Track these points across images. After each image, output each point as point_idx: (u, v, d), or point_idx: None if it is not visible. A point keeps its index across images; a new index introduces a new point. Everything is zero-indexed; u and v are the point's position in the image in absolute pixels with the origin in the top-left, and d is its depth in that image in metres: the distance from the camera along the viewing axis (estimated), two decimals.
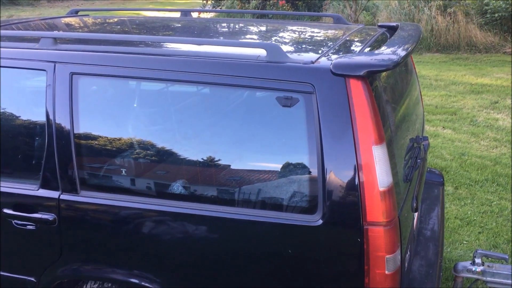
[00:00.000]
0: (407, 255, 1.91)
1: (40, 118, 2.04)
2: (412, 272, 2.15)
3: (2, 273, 2.13)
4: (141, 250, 1.93)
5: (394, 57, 1.76)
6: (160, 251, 1.91)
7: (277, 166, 1.80)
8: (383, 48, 1.94)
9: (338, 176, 1.66)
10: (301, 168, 1.76)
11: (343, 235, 1.70)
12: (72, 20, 3.06)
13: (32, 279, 2.08)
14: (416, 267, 2.20)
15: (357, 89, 1.67)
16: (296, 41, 2.42)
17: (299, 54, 2.05)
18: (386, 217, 1.64)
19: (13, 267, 2.12)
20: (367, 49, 2.09)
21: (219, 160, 1.87)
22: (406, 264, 1.89)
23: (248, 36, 2.57)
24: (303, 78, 1.72)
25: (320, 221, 1.68)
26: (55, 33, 2.29)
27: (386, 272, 1.67)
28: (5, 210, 2.01)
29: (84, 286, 2.06)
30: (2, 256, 2.13)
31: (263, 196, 1.78)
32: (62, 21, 3.04)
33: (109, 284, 2.01)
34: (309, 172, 1.72)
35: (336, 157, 1.66)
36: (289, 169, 1.78)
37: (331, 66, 1.68)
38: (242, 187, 1.81)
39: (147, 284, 1.92)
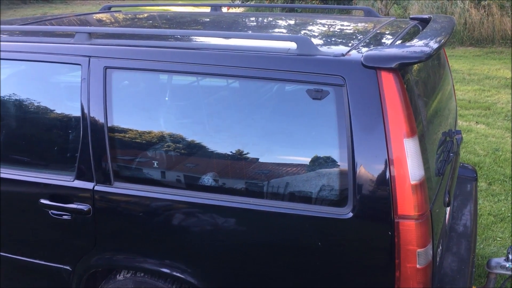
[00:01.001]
0: (438, 250, 1.88)
1: (75, 111, 2.09)
2: (444, 268, 2.12)
3: (39, 261, 2.20)
4: (172, 240, 1.96)
5: (427, 49, 1.73)
6: (190, 242, 1.94)
7: (306, 159, 1.80)
8: (415, 40, 1.92)
9: (368, 169, 1.65)
10: (331, 160, 1.75)
11: (373, 228, 1.69)
12: (104, 16, 3.12)
13: (68, 267, 2.14)
14: (448, 263, 2.17)
15: (388, 81, 1.66)
16: (325, 34, 2.41)
17: (329, 47, 2.04)
18: (418, 211, 1.63)
19: (49, 256, 2.19)
20: (399, 42, 2.06)
21: (249, 153, 1.88)
22: (438, 259, 1.86)
23: (277, 30, 2.57)
24: (333, 71, 1.71)
25: (350, 214, 1.68)
26: (90, 28, 2.34)
27: (418, 266, 1.65)
28: (42, 201, 2.07)
29: (118, 275, 2.10)
30: (39, 245, 2.21)
31: (293, 188, 1.79)
32: (95, 17, 3.10)
33: (141, 274, 2.05)
34: (339, 165, 1.72)
35: (367, 150, 1.65)
36: (319, 162, 1.78)
37: (362, 59, 1.67)
38: (272, 180, 1.82)
39: (178, 274, 1.95)
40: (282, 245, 1.83)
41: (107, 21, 3.00)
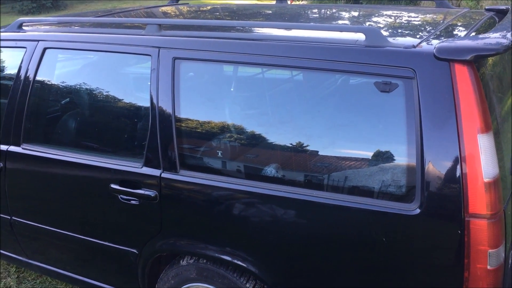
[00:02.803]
0: (511, 252, 1.80)
1: (145, 101, 2.16)
2: None
3: (108, 243, 2.30)
4: (233, 228, 1.99)
5: (504, 41, 1.64)
6: (251, 231, 1.96)
7: (371, 153, 1.77)
8: (491, 32, 1.82)
9: (438, 165, 1.60)
10: (397, 155, 1.71)
11: (442, 225, 1.64)
12: (169, 9, 3.20)
13: (135, 250, 2.23)
14: None
15: (462, 74, 1.59)
16: (393, 25, 2.34)
17: (398, 39, 1.99)
18: (491, 210, 1.56)
19: (118, 239, 2.28)
20: (473, 34, 1.97)
21: (312, 145, 1.87)
22: (510, 261, 1.78)
23: (342, 22, 2.53)
24: (403, 63, 1.66)
25: (418, 210, 1.63)
26: (160, 20, 2.41)
27: (488, 267, 1.58)
28: (113, 185, 2.17)
29: (181, 261, 2.16)
30: (109, 228, 2.31)
31: (357, 182, 1.77)
32: (161, 9, 3.19)
33: (204, 260, 2.10)
34: (407, 160, 1.67)
35: (437, 145, 1.60)
36: (384, 155, 1.74)
37: (434, 50, 1.62)
38: (334, 173, 1.80)
39: (239, 262, 1.98)
40: (343, 239, 1.81)
41: (173, 13, 3.08)
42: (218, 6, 3.26)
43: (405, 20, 2.48)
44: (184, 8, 3.24)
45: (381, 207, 1.70)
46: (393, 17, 2.54)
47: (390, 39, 1.77)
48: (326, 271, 1.88)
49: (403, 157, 1.69)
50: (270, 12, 2.87)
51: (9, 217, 2.60)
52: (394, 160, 1.72)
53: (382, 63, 1.69)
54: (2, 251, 2.80)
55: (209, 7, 3.29)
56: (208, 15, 2.93)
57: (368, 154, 1.78)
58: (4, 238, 2.74)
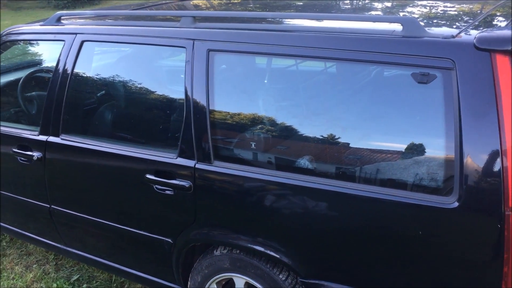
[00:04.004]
0: None
1: (179, 93, 2.18)
2: None
3: (143, 232, 2.35)
4: (266, 219, 1.99)
5: None
6: (284, 222, 1.96)
7: (407, 144, 1.75)
8: None
9: (478, 158, 1.56)
10: (435, 147, 1.68)
11: (480, 219, 1.60)
12: (200, 2, 3.22)
13: (169, 240, 2.27)
14: None
15: (504, 65, 1.55)
16: (429, 16, 2.29)
17: (436, 29, 1.95)
18: None
19: (152, 228, 2.33)
20: None
21: (346, 137, 1.86)
22: None
23: (376, 12, 2.49)
24: (442, 53, 1.63)
25: (456, 204, 1.60)
26: (194, 12, 2.43)
27: None
28: (148, 176, 2.20)
29: (215, 251, 2.19)
30: (144, 217, 2.35)
31: (393, 174, 1.74)
32: (192, 2, 3.21)
33: (237, 251, 2.12)
34: (445, 152, 1.64)
35: (477, 137, 1.56)
36: (422, 148, 1.71)
37: (474, 40, 1.58)
38: (369, 165, 1.79)
39: (272, 253, 1.99)
40: (377, 232, 1.79)
41: (204, 6, 3.10)
42: None
43: (441, 10, 2.43)
44: (215, 1, 3.25)
45: (417, 200, 1.68)
46: (428, 7, 2.49)
47: (428, 29, 1.74)
48: (359, 264, 1.86)
49: (440, 149, 1.66)
50: (302, 3, 2.85)
51: (48, 206, 2.68)
52: (431, 152, 1.69)
53: (420, 53, 1.66)
54: (41, 238, 2.89)
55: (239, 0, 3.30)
56: (240, 7, 2.94)
57: (404, 146, 1.76)
58: (43, 226, 2.83)
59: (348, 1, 2.95)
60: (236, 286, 2.20)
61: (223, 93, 2.10)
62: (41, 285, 3.01)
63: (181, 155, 2.14)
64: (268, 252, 2.00)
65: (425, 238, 1.69)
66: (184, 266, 2.32)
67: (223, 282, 2.27)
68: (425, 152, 1.70)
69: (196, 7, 3.11)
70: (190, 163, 2.11)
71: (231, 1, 3.22)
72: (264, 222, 2.01)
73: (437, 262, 1.71)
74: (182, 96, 2.14)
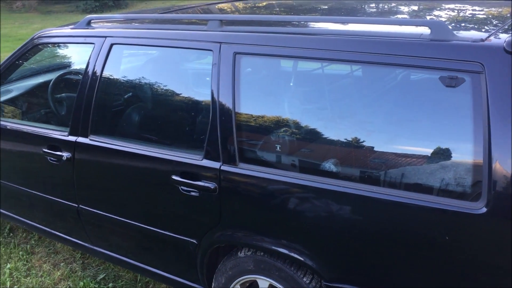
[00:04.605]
0: None
1: (206, 95, 2.21)
2: None
3: (169, 233, 2.38)
4: (290, 222, 1.99)
5: None
6: (308, 225, 1.95)
7: (433, 149, 1.73)
8: None
9: (507, 163, 1.54)
10: (463, 151, 1.66)
11: (509, 225, 1.58)
12: (225, 5, 3.25)
13: (194, 241, 2.29)
14: None
15: None
16: (458, 19, 2.27)
17: (465, 32, 1.93)
18: None
19: (178, 229, 2.35)
20: None
21: (372, 140, 1.85)
22: None
23: (402, 16, 2.48)
24: (471, 57, 1.62)
25: (484, 209, 1.58)
26: (221, 16, 2.46)
27: None
28: (174, 177, 2.23)
29: (239, 252, 2.20)
30: (169, 218, 2.38)
31: (419, 179, 1.73)
32: (217, 6, 3.24)
33: (261, 253, 2.13)
34: (473, 157, 1.62)
35: (506, 142, 1.54)
36: (449, 152, 1.70)
37: (504, 44, 1.56)
38: (394, 169, 1.77)
39: (296, 255, 1.99)
40: (402, 236, 1.77)
41: (228, 10, 3.12)
42: (274, 2, 3.28)
43: (469, 14, 2.40)
44: (240, 5, 3.28)
45: (444, 204, 1.66)
46: (455, 11, 2.46)
47: (457, 33, 1.73)
48: (384, 269, 1.85)
49: (468, 154, 1.64)
50: (327, 7, 2.85)
51: (77, 205, 2.74)
52: (459, 156, 1.67)
53: (449, 57, 1.65)
54: (69, 237, 2.96)
55: (264, 3, 3.32)
56: (265, 11, 2.95)
57: (430, 149, 1.74)
58: (71, 225, 2.89)
59: (374, 5, 2.94)
60: None
61: (249, 95, 2.12)
62: (68, 283, 3.08)
63: (207, 156, 2.16)
64: (292, 254, 2.01)
65: (452, 243, 1.67)
66: (208, 267, 2.34)
67: (247, 284, 2.28)
68: (452, 156, 1.69)
69: (222, 10, 3.14)
70: (215, 165, 2.13)
71: (256, 4, 3.24)
72: (288, 225, 2.01)
73: (464, 268, 1.69)
74: (208, 99, 2.16)
